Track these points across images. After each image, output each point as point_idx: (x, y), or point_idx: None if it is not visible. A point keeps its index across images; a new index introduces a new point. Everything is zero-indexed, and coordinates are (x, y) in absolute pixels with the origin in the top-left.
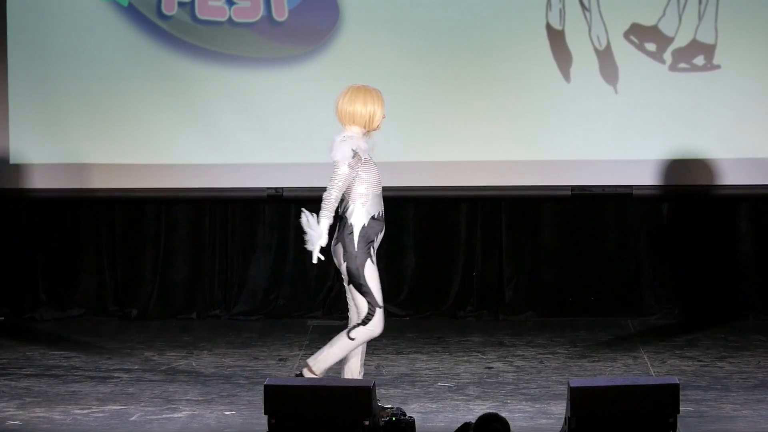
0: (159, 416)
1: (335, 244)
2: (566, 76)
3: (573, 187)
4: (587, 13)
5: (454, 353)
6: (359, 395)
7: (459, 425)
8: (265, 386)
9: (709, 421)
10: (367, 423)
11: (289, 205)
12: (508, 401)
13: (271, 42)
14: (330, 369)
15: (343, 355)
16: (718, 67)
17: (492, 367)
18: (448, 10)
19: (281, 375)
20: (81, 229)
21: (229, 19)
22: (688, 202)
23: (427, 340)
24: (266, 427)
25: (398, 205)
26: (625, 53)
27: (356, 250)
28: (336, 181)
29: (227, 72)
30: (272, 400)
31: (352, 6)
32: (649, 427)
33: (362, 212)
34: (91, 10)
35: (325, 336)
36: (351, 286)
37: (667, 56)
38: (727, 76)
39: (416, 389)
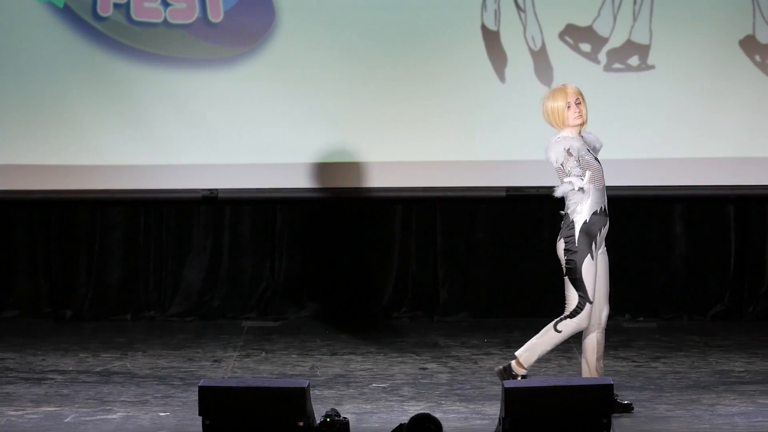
0: (93, 417)
1: (558, 240)
2: (501, 77)
3: (508, 188)
4: (522, 14)
5: (388, 354)
6: (294, 396)
7: (394, 426)
8: (200, 387)
9: (643, 422)
10: (301, 424)
11: (224, 206)
12: (443, 402)
13: (206, 43)
14: (537, 361)
15: (549, 348)
16: (652, 67)
17: (426, 368)
18: (383, 11)
19: (216, 376)
20: (14, 231)
21: (165, 21)
22: (622, 203)
23: (362, 341)
24: (201, 429)
25: (333, 206)
26: (560, 54)
27: (577, 245)
28: (573, 173)
29: (163, 73)
30: (207, 401)
31: (287, 7)
32: (583, 427)
33: (584, 208)
34: (26, 11)
35: (260, 337)
36: (566, 278)
37: (602, 56)
38: (662, 76)
39: (351, 390)
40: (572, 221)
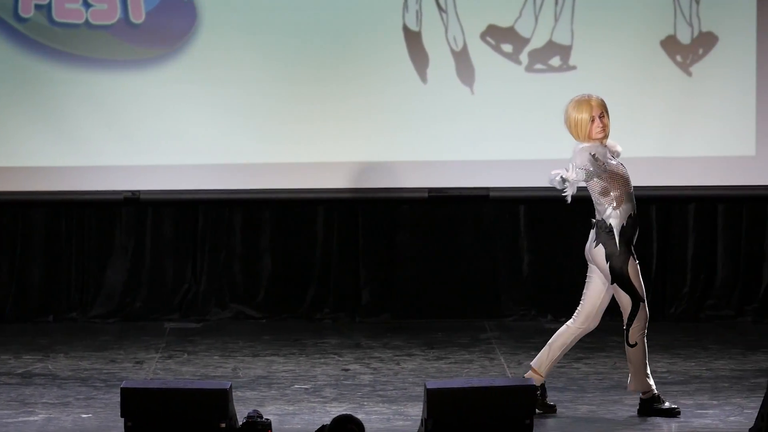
0: (15, 419)
1: (594, 246)
2: (423, 78)
3: (430, 189)
4: (444, 15)
5: (310, 355)
6: (216, 398)
7: (316, 427)
8: (122, 389)
9: (566, 423)
10: (223, 425)
11: (146, 208)
12: (365, 403)
13: (128, 44)
14: (644, 374)
15: (644, 359)
16: (574, 68)
17: (349, 369)
18: (305, 12)
19: (138, 378)
20: None
21: (86, 22)
22: (545, 204)
23: (284, 342)
24: (123, 430)
25: (254, 207)
26: (481, 54)
27: (618, 249)
28: (578, 170)
29: (85, 74)
30: (129, 402)
31: (209, 8)
32: (505, 428)
33: (619, 213)
34: None
35: (182, 338)
36: (615, 284)
37: (524, 57)
38: (584, 76)
39: (273, 391)
40: (609, 225)
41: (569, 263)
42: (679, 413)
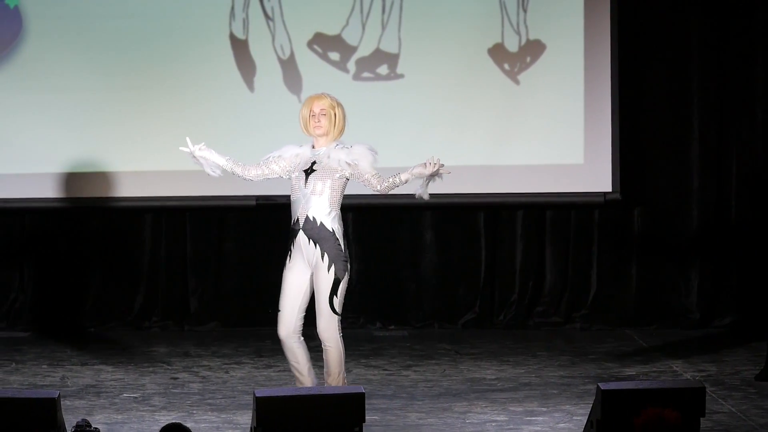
0: None
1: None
2: (250, 86)
3: (257, 197)
4: (271, 23)
5: (139, 364)
6: (44, 407)
7: None
8: None
9: (395, 430)
10: None
11: None
12: (194, 412)
13: None
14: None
15: (294, 362)
16: (402, 76)
17: (177, 378)
18: (133, 20)
19: None
20: None
21: None
22: (371, 211)
23: (112, 351)
24: None
25: (81, 215)
26: (308, 62)
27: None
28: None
29: None
30: None
31: (35, 16)
32: None
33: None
34: None
35: (10, 348)
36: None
37: (351, 65)
38: (411, 84)
39: (102, 400)
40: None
41: (397, 270)
42: None
